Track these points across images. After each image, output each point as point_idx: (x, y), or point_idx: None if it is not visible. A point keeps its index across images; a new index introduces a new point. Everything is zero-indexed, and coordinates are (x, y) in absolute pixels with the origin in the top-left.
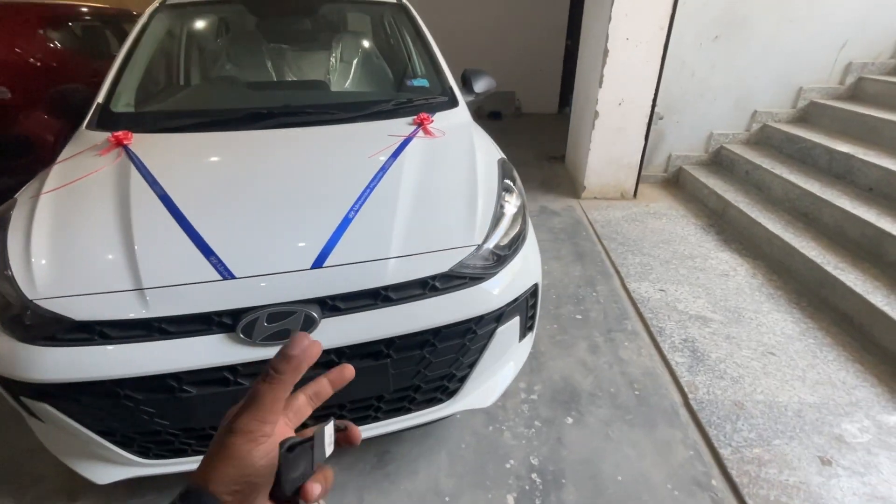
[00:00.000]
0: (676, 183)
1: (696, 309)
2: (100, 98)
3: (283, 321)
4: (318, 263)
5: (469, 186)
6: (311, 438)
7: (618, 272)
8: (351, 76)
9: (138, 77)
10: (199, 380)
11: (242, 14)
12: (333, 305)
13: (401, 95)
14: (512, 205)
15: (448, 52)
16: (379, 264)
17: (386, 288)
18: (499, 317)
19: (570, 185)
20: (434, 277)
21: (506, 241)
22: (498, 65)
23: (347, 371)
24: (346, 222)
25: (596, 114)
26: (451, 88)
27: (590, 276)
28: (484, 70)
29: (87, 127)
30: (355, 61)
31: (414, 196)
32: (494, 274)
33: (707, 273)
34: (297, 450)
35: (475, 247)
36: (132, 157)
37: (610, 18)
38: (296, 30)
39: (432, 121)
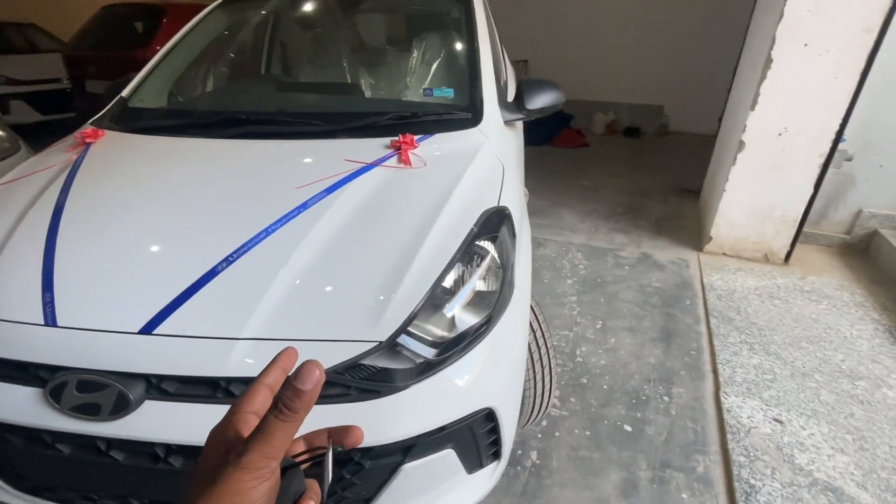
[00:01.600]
0: (864, 252)
1: (832, 471)
2: (124, 92)
3: (93, 393)
4: (149, 328)
5: (407, 248)
6: (300, 459)
7: (715, 372)
8: (378, 81)
9: (167, 74)
10: (14, 431)
11: (288, 13)
12: (160, 387)
13: (403, 108)
14: (475, 281)
15: (583, 55)
16: (222, 345)
17: (227, 380)
18: (407, 448)
19: (695, 230)
20: None
21: (442, 334)
22: (645, 73)
23: (294, 353)
24: (209, 276)
25: (741, 144)
26: (480, 102)
27: (670, 368)
28: (551, 81)
29: (93, 121)
30: (390, 65)
31: (319, 253)
32: (404, 387)
33: (874, 410)
34: (288, 472)
35: (374, 344)
36: (80, 158)
37: (782, 15)
38: (342, 28)
39: (417, 145)
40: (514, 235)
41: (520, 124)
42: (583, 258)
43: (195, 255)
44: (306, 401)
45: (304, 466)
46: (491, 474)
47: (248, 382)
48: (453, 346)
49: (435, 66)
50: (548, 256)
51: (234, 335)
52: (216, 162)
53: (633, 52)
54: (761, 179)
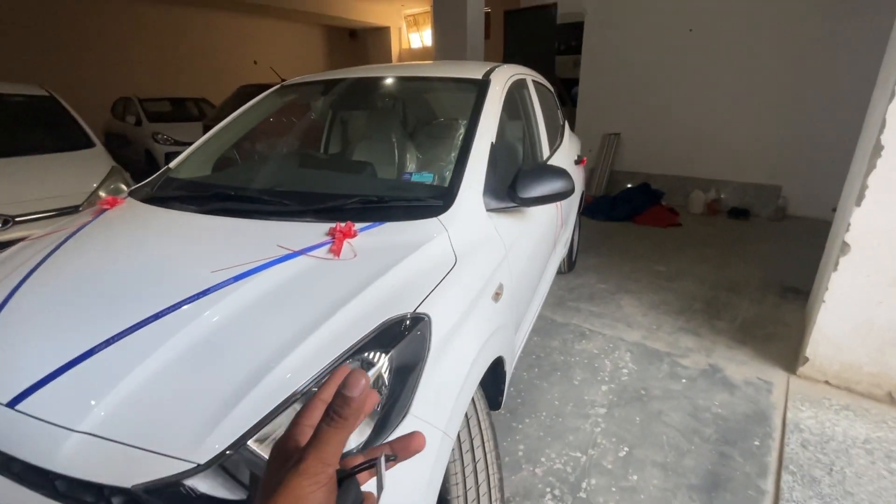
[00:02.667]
0: None
1: None
2: (171, 164)
3: None
4: (14, 402)
5: (275, 354)
6: (359, 468)
7: None
8: (375, 163)
9: (205, 150)
10: None
11: (309, 99)
12: (8, 465)
13: (372, 190)
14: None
15: (682, 129)
16: (58, 434)
17: (55, 474)
18: None
19: (793, 343)
20: (114, 490)
21: None
22: (758, 149)
23: (347, 370)
24: (85, 356)
25: (844, 246)
26: (455, 189)
27: None
28: (555, 169)
29: (133, 188)
30: (390, 148)
31: (189, 347)
32: None
33: None
34: (346, 481)
35: (190, 466)
36: (88, 223)
37: (893, 94)
38: (355, 113)
39: (356, 234)
40: (426, 350)
41: (536, 211)
42: (630, 360)
43: (86, 332)
44: (355, 407)
45: (361, 479)
46: None
47: (73, 484)
48: None
49: (429, 150)
50: (588, 352)
51: (72, 426)
52: (171, 236)
53: (743, 127)
54: (876, 294)
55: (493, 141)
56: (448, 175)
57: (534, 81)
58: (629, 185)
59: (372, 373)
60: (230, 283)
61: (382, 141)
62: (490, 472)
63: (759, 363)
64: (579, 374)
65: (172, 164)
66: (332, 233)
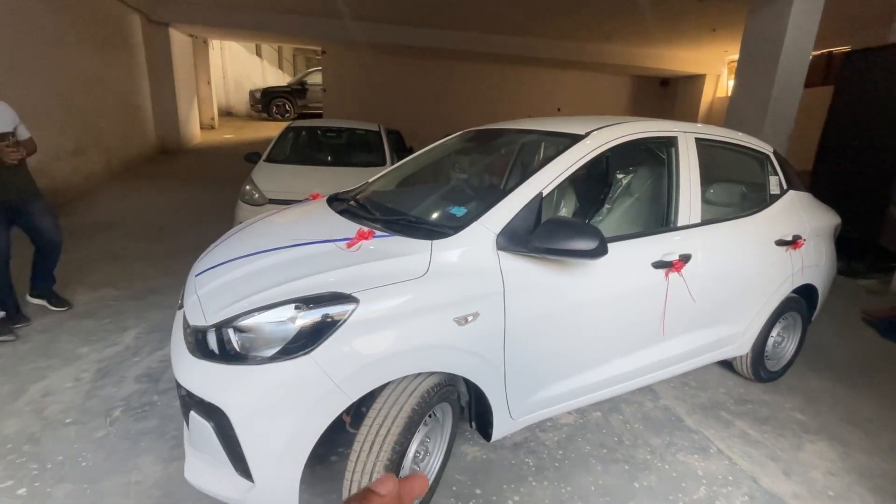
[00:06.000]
0: None
1: None
2: (370, 178)
3: None
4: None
5: (267, 286)
6: None
7: None
8: (454, 196)
9: (400, 173)
10: None
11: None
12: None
13: (410, 212)
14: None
15: None
16: (193, 295)
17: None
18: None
19: None
20: (195, 329)
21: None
22: None
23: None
24: (220, 265)
25: None
26: (466, 225)
27: None
28: (579, 226)
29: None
30: (471, 188)
31: (253, 272)
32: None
33: None
34: None
35: (205, 324)
36: (299, 205)
37: None
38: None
39: (370, 237)
40: (342, 320)
41: (606, 270)
42: None
43: (226, 252)
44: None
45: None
46: (234, 487)
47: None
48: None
49: (489, 191)
50: (688, 469)
51: (196, 292)
52: (299, 220)
53: None
54: None
55: (544, 193)
56: (482, 212)
57: (700, 140)
58: None
59: (299, 318)
60: (288, 247)
61: (471, 179)
62: (382, 451)
63: None
64: (651, 481)
65: (371, 180)
66: (358, 233)
